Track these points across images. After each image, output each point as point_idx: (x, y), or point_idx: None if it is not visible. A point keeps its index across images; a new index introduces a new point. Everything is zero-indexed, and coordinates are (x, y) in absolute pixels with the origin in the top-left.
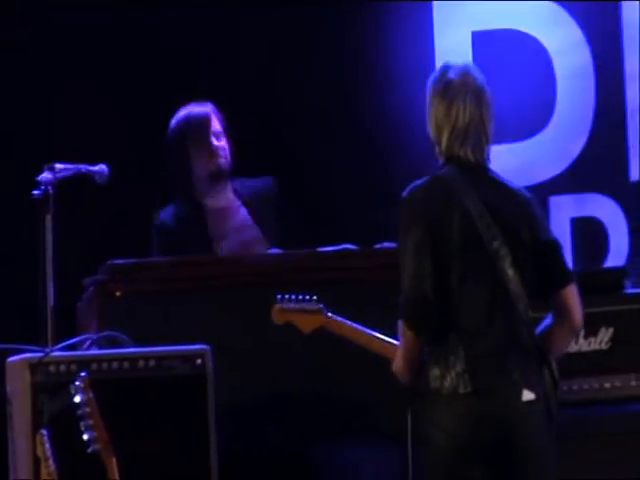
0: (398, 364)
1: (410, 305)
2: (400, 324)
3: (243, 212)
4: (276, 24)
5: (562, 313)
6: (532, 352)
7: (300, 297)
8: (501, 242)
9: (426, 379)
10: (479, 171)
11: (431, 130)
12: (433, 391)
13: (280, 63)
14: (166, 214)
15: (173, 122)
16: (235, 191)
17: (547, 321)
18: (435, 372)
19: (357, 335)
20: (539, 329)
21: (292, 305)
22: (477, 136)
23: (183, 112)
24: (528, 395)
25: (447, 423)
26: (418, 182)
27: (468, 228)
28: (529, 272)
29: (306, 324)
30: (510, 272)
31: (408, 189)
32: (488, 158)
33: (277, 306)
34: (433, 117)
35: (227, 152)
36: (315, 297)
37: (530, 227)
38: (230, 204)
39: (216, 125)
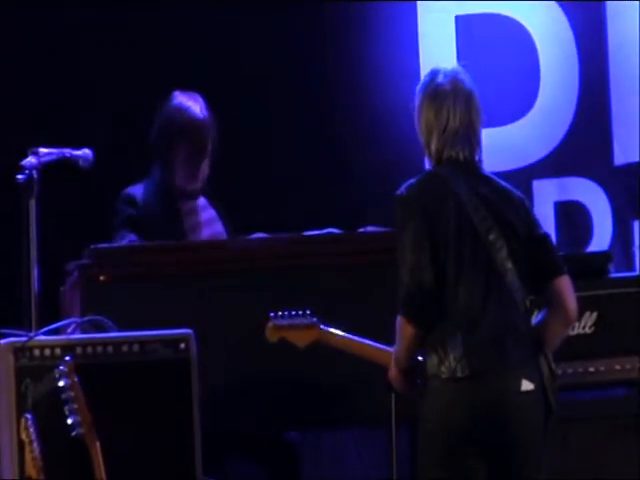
0: (393, 371)
1: (411, 300)
2: (399, 323)
3: (210, 207)
4: (267, 23)
5: (556, 304)
6: (529, 342)
7: (293, 313)
8: (497, 234)
9: (423, 367)
10: (470, 169)
11: (421, 134)
12: (430, 377)
13: (270, 61)
14: (135, 188)
15: (169, 112)
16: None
17: (541, 315)
18: (433, 360)
19: (352, 346)
20: (533, 323)
21: (285, 321)
22: (467, 138)
23: (181, 110)
24: (527, 385)
25: (442, 407)
26: (412, 180)
27: (463, 220)
28: (524, 264)
29: (300, 339)
30: (507, 264)
31: (403, 187)
32: (480, 160)
33: (270, 324)
34: (423, 121)
35: (206, 173)
36: (309, 311)
37: (524, 222)
38: (198, 201)
39: (209, 147)
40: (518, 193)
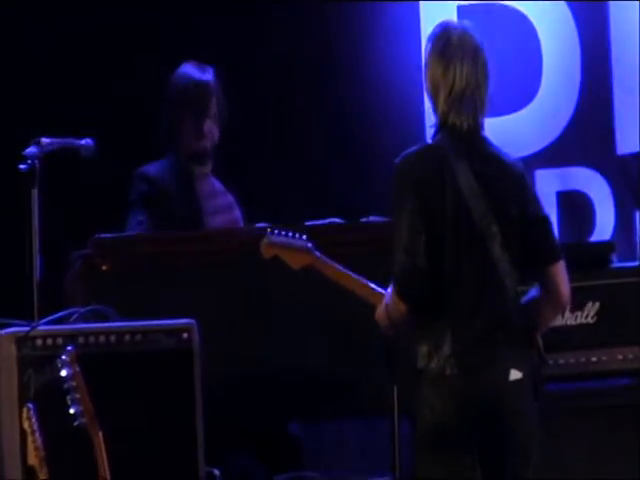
0: (384, 318)
1: (404, 277)
2: (392, 296)
3: (228, 193)
4: (269, 23)
5: (550, 289)
6: (519, 331)
7: (290, 234)
8: (491, 220)
9: (415, 355)
10: (472, 142)
11: (428, 89)
12: (421, 369)
13: (273, 60)
14: (151, 166)
15: (174, 80)
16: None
17: (533, 293)
18: (423, 349)
19: (343, 278)
20: (524, 299)
21: (280, 240)
22: (472, 102)
23: (185, 75)
24: (515, 374)
25: (434, 401)
26: (411, 150)
27: (460, 205)
28: (518, 248)
29: (294, 261)
30: (499, 251)
31: (401, 157)
32: (482, 124)
33: (266, 240)
34: (430, 76)
35: (215, 135)
36: (304, 236)
37: (520, 202)
38: (215, 185)
39: (213, 105)
40: (519, 168)
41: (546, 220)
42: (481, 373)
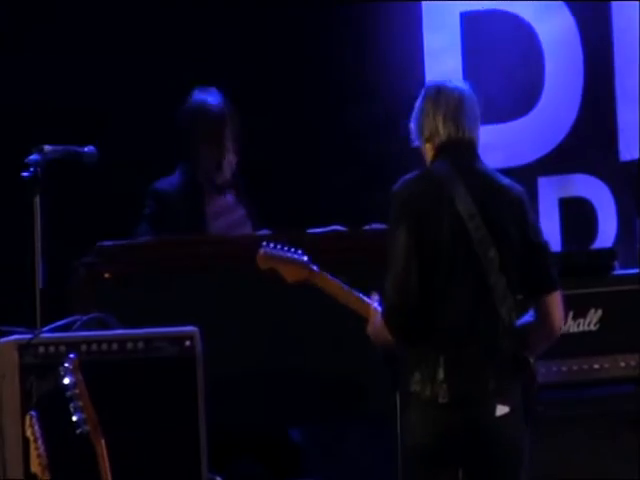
0: (375, 338)
1: (394, 314)
2: (381, 322)
3: (230, 191)
4: (268, 24)
5: (543, 318)
6: (510, 360)
7: (286, 247)
8: (490, 244)
9: (407, 380)
10: (471, 167)
11: (424, 133)
12: (412, 394)
13: (273, 61)
14: (163, 183)
15: (187, 111)
16: None
17: (528, 317)
18: (416, 376)
19: (340, 292)
20: (519, 322)
21: (277, 252)
22: (472, 112)
23: (198, 107)
24: (502, 410)
25: (422, 425)
26: (409, 176)
27: (457, 230)
28: (516, 272)
29: (290, 274)
30: (496, 276)
31: (399, 183)
32: (478, 139)
33: (262, 251)
34: (425, 123)
35: (234, 164)
36: (300, 251)
37: (520, 227)
38: (227, 200)
39: (228, 133)
40: (517, 191)
41: (544, 247)
42: (469, 405)
